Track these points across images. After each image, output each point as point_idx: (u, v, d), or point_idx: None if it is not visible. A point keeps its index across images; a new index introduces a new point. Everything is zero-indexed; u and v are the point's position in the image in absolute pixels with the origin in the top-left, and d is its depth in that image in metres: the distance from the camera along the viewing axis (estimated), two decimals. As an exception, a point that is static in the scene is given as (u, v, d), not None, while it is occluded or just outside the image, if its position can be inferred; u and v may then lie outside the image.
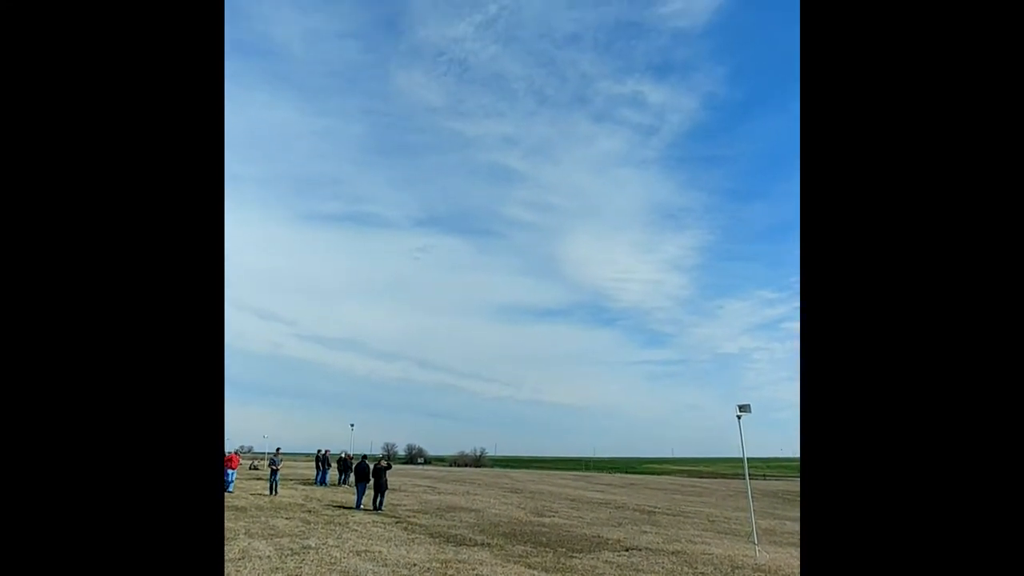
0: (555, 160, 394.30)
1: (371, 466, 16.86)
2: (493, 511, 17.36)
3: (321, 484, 23.85)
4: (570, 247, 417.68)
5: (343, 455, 25.63)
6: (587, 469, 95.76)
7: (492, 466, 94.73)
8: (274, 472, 20.59)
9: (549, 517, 16.56)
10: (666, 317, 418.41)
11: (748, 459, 11.55)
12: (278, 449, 22.87)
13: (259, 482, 24.53)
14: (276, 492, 19.74)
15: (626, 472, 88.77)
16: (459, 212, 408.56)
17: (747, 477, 11.66)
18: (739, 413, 11.08)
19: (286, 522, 12.97)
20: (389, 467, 17.14)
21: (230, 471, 21.03)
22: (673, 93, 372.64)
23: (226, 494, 19.36)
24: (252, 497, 18.66)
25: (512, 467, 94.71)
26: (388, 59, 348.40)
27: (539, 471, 76.12)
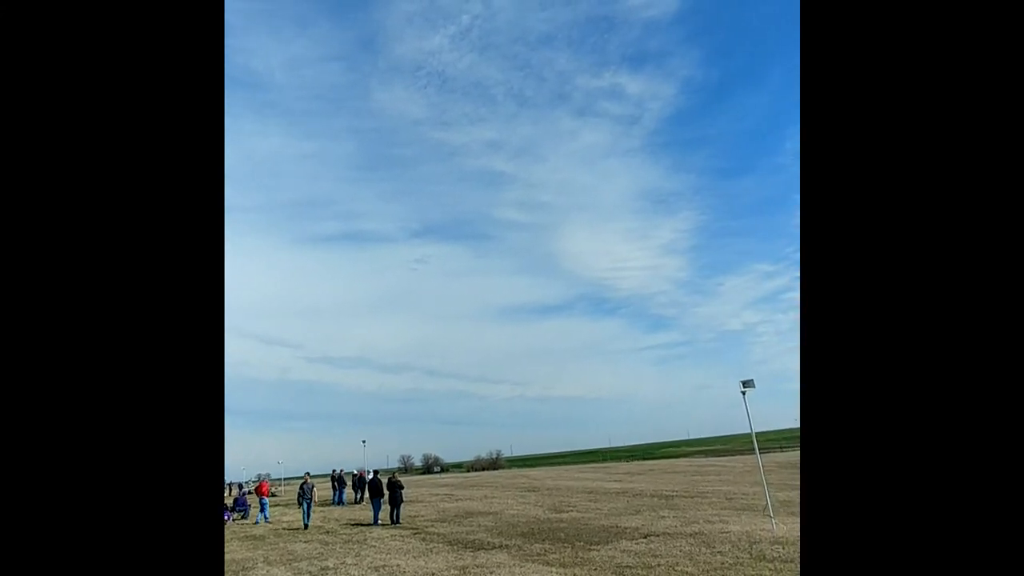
0: (541, 159, 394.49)
1: (384, 481, 16.85)
2: (511, 512, 17.35)
3: (338, 504, 23.84)
4: (565, 242, 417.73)
5: (355, 473, 25.61)
6: (604, 460, 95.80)
7: (509, 467, 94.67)
8: (307, 502, 17.56)
9: (567, 512, 16.55)
10: (667, 300, 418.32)
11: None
12: (307, 474, 19.00)
13: (276, 507, 24.52)
14: (308, 524, 16.95)
15: (644, 459, 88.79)
16: (453, 220, 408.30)
17: (757, 452, 11.68)
18: (743, 389, 11.09)
19: (304, 545, 12.96)
20: (401, 486, 17.04)
21: (264, 500, 20.46)
22: (650, 82, 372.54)
23: (252, 524, 19.20)
24: (272, 524, 18.65)
25: (530, 466, 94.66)
26: (369, 78, 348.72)
27: (557, 467, 76.07)
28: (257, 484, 22.34)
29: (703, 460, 64.12)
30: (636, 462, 75.00)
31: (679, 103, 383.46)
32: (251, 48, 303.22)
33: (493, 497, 23.43)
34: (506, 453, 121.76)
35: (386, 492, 16.51)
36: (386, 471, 18.98)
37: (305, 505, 17.67)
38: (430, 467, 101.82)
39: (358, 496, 24.07)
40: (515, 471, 69.80)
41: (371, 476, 18.49)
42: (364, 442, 32.32)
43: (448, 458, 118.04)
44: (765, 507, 12.00)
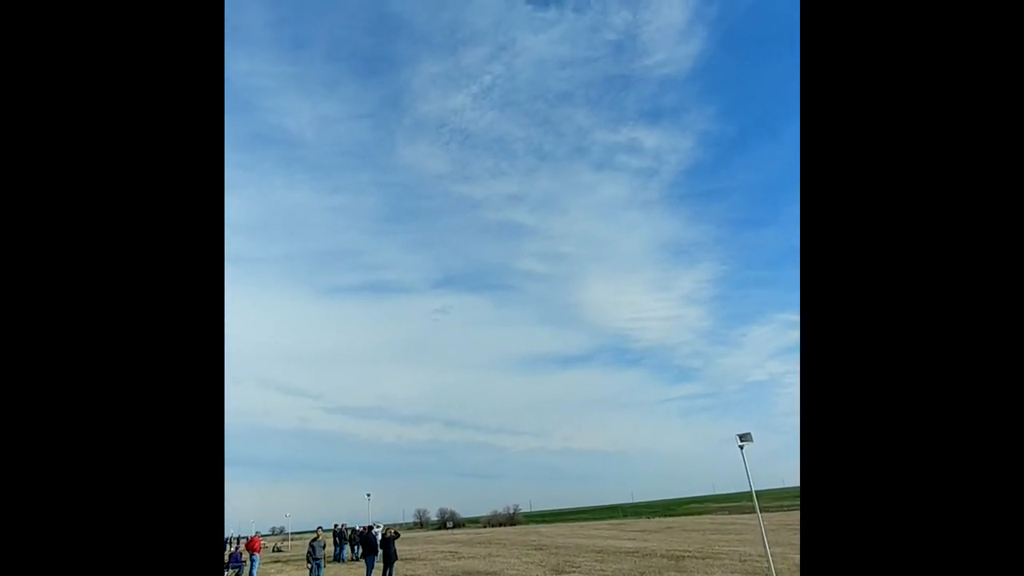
0: (562, 210, 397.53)
1: (379, 536, 16.28)
2: (510, 572, 16.57)
3: (337, 560, 23.08)
4: (586, 293, 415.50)
5: (350, 528, 24.92)
6: (624, 516, 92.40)
7: (527, 523, 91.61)
8: (317, 561, 15.71)
9: (568, 573, 15.76)
10: (690, 351, 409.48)
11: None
12: (319, 529, 17.37)
13: (275, 564, 23.84)
14: None
15: (665, 515, 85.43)
16: (474, 270, 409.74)
17: (758, 511, 11.03)
18: (740, 443, 10.57)
19: (286, 606, 12.43)
20: (397, 536, 16.53)
21: (254, 556, 19.39)
22: (667, 136, 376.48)
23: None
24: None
25: (547, 522, 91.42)
26: (395, 134, 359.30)
27: (573, 523, 73.50)
28: (248, 539, 21.37)
29: (726, 517, 61.35)
30: (657, 519, 72.14)
31: (696, 156, 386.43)
32: (284, 108, 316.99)
33: (497, 555, 22.48)
34: (524, 508, 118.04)
35: (380, 549, 15.90)
36: (400, 525, 18.16)
37: (315, 565, 15.78)
38: (445, 522, 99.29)
39: (356, 552, 23.31)
40: (530, 527, 67.56)
41: (366, 530, 17.84)
42: (368, 495, 31.60)
43: (465, 512, 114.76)
44: (777, 572, 11.24)
